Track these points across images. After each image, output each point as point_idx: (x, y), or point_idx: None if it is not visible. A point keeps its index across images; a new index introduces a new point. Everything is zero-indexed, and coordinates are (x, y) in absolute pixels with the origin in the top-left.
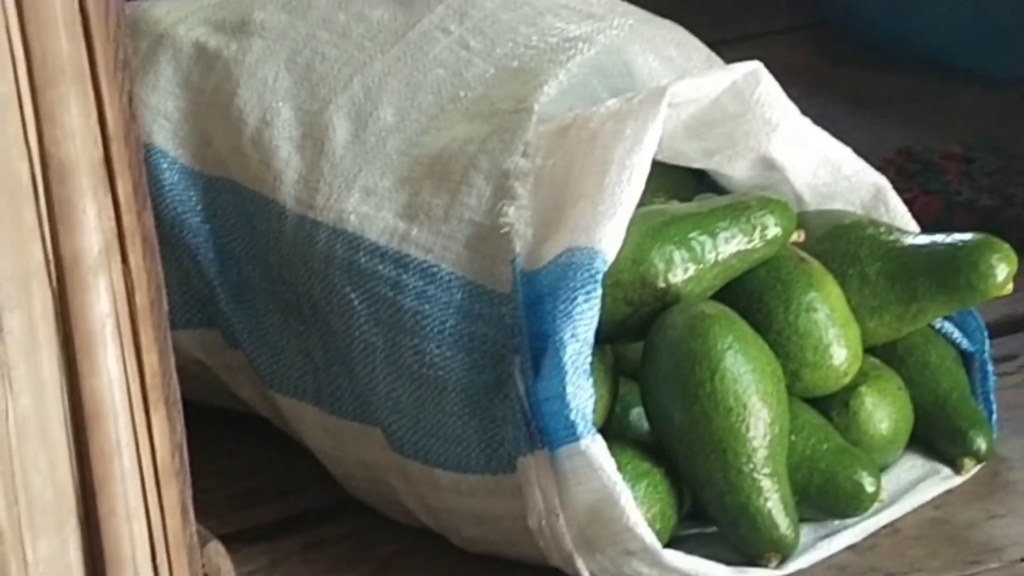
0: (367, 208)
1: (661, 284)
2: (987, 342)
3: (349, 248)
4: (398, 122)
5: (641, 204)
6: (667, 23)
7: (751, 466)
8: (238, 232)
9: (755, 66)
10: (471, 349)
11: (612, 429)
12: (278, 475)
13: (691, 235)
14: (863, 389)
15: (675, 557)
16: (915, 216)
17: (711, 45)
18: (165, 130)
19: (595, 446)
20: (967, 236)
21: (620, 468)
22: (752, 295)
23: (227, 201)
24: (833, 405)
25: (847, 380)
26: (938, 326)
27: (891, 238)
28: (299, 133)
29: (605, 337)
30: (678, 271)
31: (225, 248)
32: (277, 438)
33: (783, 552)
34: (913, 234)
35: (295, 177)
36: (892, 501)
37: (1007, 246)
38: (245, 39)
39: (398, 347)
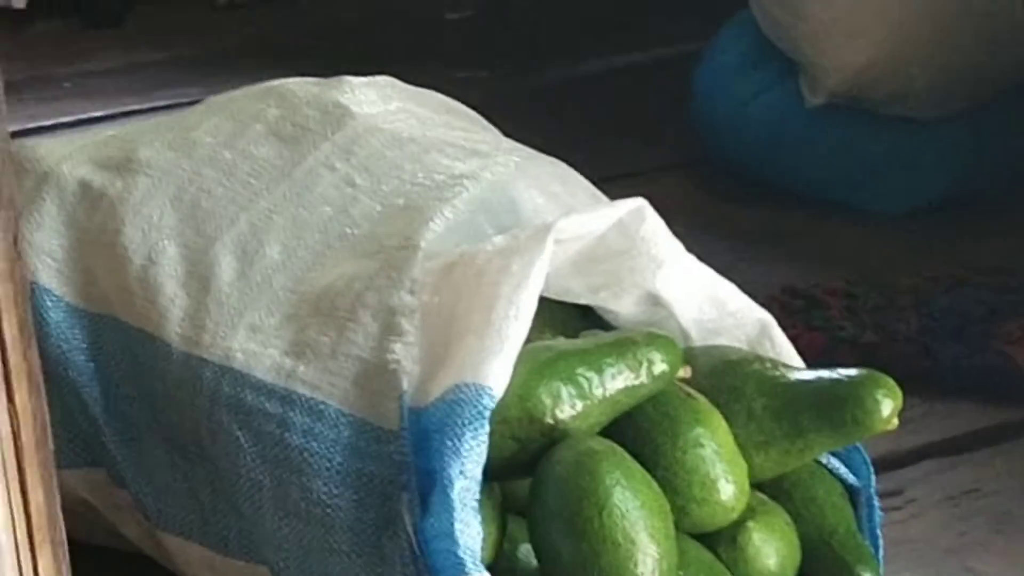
0: (253, 345)
1: (548, 420)
2: (873, 477)
3: (235, 385)
4: (284, 259)
5: (528, 340)
6: (552, 160)
7: None
8: (123, 370)
9: (640, 203)
10: (359, 487)
11: (501, 566)
12: None
13: (578, 371)
14: (750, 525)
15: None
16: (800, 352)
17: (596, 182)
18: (50, 268)
19: None
20: (852, 372)
21: None
22: (639, 431)
23: (112, 339)
24: (721, 541)
25: (734, 516)
26: (824, 461)
27: (777, 374)
28: (184, 271)
29: (493, 474)
30: (565, 407)
31: (110, 386)
32: None
33: None
34: (798, 370)
35: (181, 315)
36: None
37: (891, 382)
38: (130, 177)
39: (285, 485)
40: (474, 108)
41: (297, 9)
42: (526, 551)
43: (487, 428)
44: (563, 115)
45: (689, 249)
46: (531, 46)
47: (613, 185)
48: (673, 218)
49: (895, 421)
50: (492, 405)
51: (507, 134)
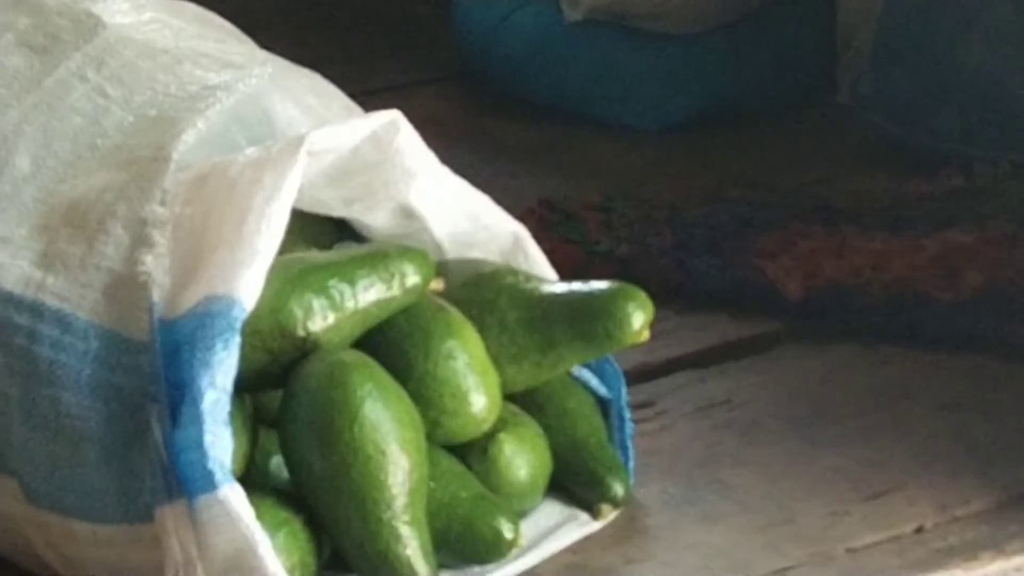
0: (2, 257)
1: (300, 332)
2: (624, 389)
3: None
4: (34, 170)
5: (281, 252)
6: (307, 72)
7: (390, 514)
8: None
9: (394, 115)
10: (108, 399)
11: (251, 478)
12: None
13: (330, 283)
14: (502, 436)
15: None
16: (556, 266)
17: (354, 96)
18: None
19: (233, 495)
20: (604, 285)
21: (259, 517)
22: (391, 343)
23: None
24: (472, 452)
25: (486, 427)
26: (576, 373)
27: (529, 286)
28: None
29: (244, 386)
30: (317, 319)
31: None
32: None
33: None
34: (552, 283)
35: None
36: (531, 547)
37: (643, 294)
38: None
39: (33, 397)
40: (231, 19)
41: None
42: (277, 463)
43: (238, 340)
44: (322, 28)
45: (448, 163)
46: None
47: (372, 98)
48: (432, 131)
49: (646, 333)
50: (243, 317)
51: (264, 46)
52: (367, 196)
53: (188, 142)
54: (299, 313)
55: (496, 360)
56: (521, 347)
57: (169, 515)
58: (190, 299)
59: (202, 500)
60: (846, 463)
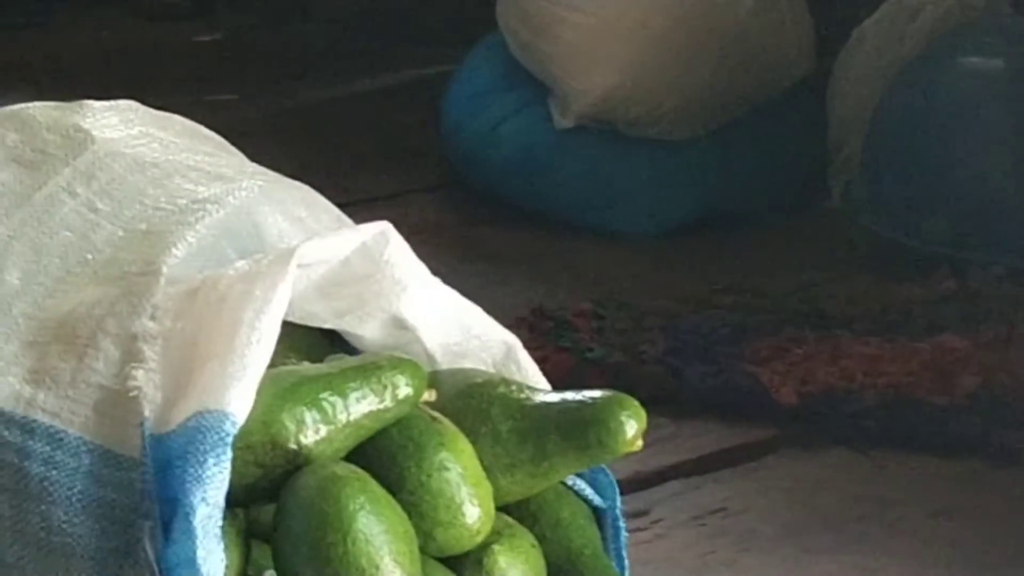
0: None
1: (292, 446)
2: (618, 498)
3: None
4: (24, 286)
5: (272, 365)
6: (296, 184)
7: None
8: None
9: (384, 226)
10: (100, 515)
11: None
12: None
13: (322, 396)
14: (496, 547)
15: None
16: (548, 373)
17: (344, 206)
18: None
19: None
20: (597, 393)
21: None
22: (384, 455)
23: None
24: (467, 564)
25: (480, 539)
26: (570, 483)
27: (522, 396)
28: None
29: (236, 500)
30: (309, 432)
31: None
32: None
33: None
34: (544, 392)
35: None
36: None
37: (636, 403)
38: None
39: (25, 515)
40: (222, 131)
41: (44, 33)
42: None
43: (229, 454)
44: (313, 138)
45: (439, 272)
46: (280, 69)
47: (362, 208)
48: (422, 240)
49: (640, 442)
50: (234, 431)
51: (255, 158)
52: (358, 307)
53: (178, 256)
54: (291, 426)
55: (489, 471)
56: (514, 457)
57: None
58: (181, 414)
59: None
60: (841, 570)
